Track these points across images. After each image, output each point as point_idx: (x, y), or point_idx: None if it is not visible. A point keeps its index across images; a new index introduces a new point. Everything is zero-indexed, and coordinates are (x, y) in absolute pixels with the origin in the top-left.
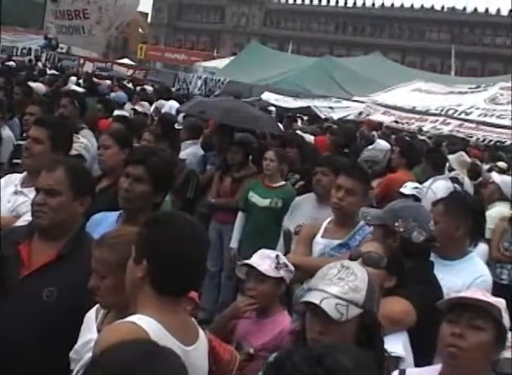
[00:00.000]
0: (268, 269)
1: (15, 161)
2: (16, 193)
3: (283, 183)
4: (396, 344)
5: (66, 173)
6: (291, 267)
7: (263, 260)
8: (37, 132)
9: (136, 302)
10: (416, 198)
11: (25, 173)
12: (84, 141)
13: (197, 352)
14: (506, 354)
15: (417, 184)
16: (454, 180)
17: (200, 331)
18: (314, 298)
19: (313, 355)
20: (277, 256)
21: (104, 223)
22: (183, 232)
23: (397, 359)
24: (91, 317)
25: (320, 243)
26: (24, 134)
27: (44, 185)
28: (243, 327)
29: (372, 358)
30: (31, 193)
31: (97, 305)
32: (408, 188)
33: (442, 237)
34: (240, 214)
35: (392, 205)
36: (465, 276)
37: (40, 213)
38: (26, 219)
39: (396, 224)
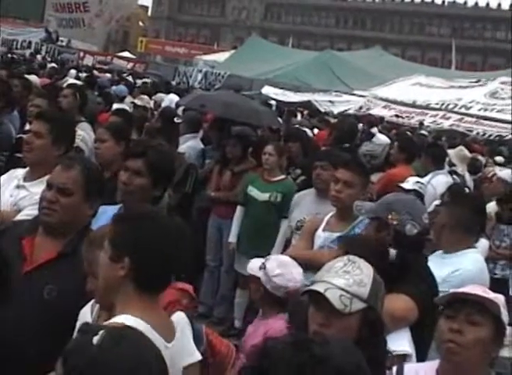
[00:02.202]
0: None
1: (16, 154)
2: (18, 187)
3: (283, 177)
4: (403, 341)
5: (82, 173)
6: None
7: None
8: (38, 126)
9: (116, 301)
10: (417, 193)
11: (27, 168)
12: (82, 134)
13: (175, 348)
14: (506, 353)
15: (419, 179)
16: (454, 173)
17: (178, 327)
18: (318, 287)
19: (298, 341)
20: None
21: (103, 216)
22: (165, 227)
23: (404, 356)
24: (86, 313)
25: (321, 236)
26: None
27: (59, 183)
28: (249, 329)
29: (364, 354)
30: (32, 187)
31: (92, 301)
32: (410, 183)
33: (439, 229)
34: (239, 208)
35: (385, 198)
36: (447, 269)
37: (50, 211)
38: (26, 213)
39: (390, 217)
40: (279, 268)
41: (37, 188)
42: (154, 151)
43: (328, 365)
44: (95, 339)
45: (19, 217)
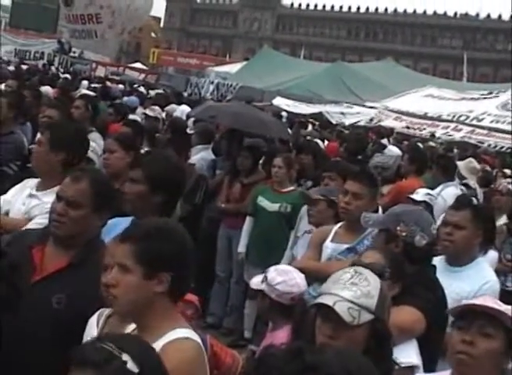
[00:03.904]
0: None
1: (28, 165)
2: (30, 196)
3: (292, 188)
4: (411, 353)
5: (91, 185)
6: None
7: None
8: (41, 136)
9: (149, 316)
10: (427, 205)
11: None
12: (92, 144)
13: None
14: None
15: (429, 191)
16: (466, 186)
17: None
18: (326, 300)
19: (292, 350)
20: None
21: (118, 228)
22: (185, 236)
23: (412, 368)
24: (93, 324)
25: (329, 247)
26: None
27: (68, 196)
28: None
29: (371, 363)
30: (44, 196)
31: (99, 311)
32: (420, 195)
33: (465, 244)
34: (248, 219)
35: (393, 210)
36: (473, 282)
37: (59, 223)
38: (37, 221)
39: (398, 228)
40: (281, 276)
41: (49, 198)
42: (149, 159)
43: (319, 372)
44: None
45: (30, 226)
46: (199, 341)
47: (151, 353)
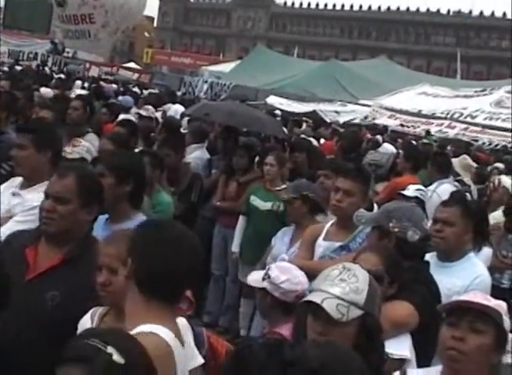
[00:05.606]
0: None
1: None
2: (13, 194)
3: (284, 186)
4: (403, 346)
5: (76, 180)
6: None
7: None
8: (20, 139)
9: (125, 307)
10: (419, 200)
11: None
12: (86, 144)
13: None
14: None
15: (420, 186)
16: (461, 183)
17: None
18: (315, 297)
19: (272, 345)
20: None
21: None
22: (168, 237)
23: (402, 361)
24: (86, 322)
25: (321, 245)
26: None
27: (54, 192)
28: None
29: (359, 358)
30: (27, 194)
31: (92, 310)
32: (411, 190)
33: (456, 240)
34: (241, 218)
35: (385, 207)
36: (464, 277)
37: (49, 220)
38: (17, 219)
39: (391, 225)
40: (284, 274)
41: (31, 195)
42: (111, 155)
43: (299, 367)
44: (116, 357)
45: (10, 223)
46: (167, 338)
47: (135, 344)
